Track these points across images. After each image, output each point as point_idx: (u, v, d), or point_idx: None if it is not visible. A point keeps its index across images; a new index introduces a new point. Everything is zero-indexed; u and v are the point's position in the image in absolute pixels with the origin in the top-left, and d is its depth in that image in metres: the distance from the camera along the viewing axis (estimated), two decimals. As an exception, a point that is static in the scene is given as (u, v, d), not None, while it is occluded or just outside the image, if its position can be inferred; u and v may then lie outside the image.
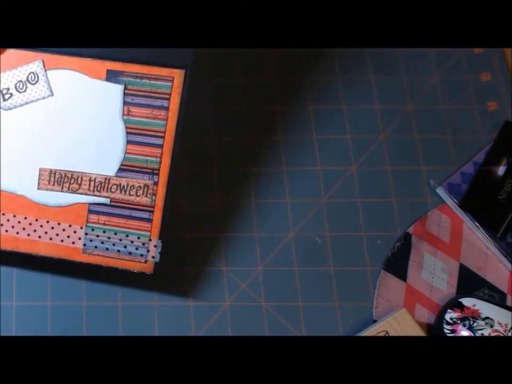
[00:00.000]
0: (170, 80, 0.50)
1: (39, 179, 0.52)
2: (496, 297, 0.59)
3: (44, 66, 0.50)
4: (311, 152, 0.63)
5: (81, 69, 0.50)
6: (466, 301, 0.57)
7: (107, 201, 0.51)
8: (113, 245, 0.52)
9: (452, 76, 0.66)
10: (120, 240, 0.52)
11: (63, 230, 0.52)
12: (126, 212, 0.52)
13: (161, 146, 0.50)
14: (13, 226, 0.52)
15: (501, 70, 0.66)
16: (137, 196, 0.51)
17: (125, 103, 0.50)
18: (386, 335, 0.55)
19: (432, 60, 0.66)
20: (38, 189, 0.52)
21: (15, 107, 0.51)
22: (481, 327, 0.56)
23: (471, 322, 0.56)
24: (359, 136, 0.64)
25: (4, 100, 0.51)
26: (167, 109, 0.50)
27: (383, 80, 0.65)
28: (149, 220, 0.51)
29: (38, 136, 0.51)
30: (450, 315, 0.57)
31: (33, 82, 0.50)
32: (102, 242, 0.52)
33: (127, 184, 0.51)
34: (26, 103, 0.51)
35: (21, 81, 0.50)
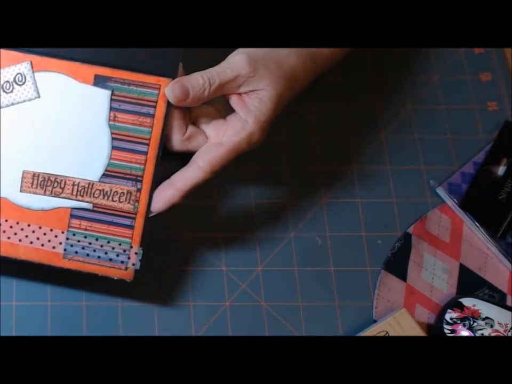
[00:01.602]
0: (157, 88, 0.50)
1: (22, 182, 0.51)
2: (496, 297, 0.59)
3: (32, 68, 0.50)
4: (310, 151, 0.63)
5: (69, 72, 0.50)
6: (466, 301, 0.57)
7: (90, 206, 0.51)
8: (94, 250, 0.51)
9: (452, 76, 0.66)
10: (101, 246, 0.51)
11: (44, 234, 0.51)
12: (108, 218, 0.51)
13: (145, 153, 0.51)
14: None
15: (501, 70, 0.66)
16: (120, 202, 0.51)
17: (111, 108, 0.50)
18: (386, 335, 0.55)
19: (432, 60, 0.66)
20: (21, 191, 0.51)
21: (1, 107, 0.50)
22: (481, 327, 0.56)
23: (471, 322, 0.56)
24: (358, 137, 0.64)
25: None
26: (153, 116, 0.50)
27: (383, 80, 0.65)
28: (131, 227, 0.51)
29: (23, 137, 0.51)
30: (450, 315, 0.57)
31: (20, 83, 0.50)
32: (83, 248, 0.51)
33: (110, 190, 0.51)
34: (13, 104, 0.50)
35: (7, 81, 0.50)
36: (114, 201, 0.51)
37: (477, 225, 0.60)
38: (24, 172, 0.51)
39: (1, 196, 0.51)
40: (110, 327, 0.56)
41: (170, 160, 0.52)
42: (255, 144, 0.51)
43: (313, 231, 0.61)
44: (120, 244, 0.51)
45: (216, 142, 0.50)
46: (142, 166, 0.51)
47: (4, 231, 0.51)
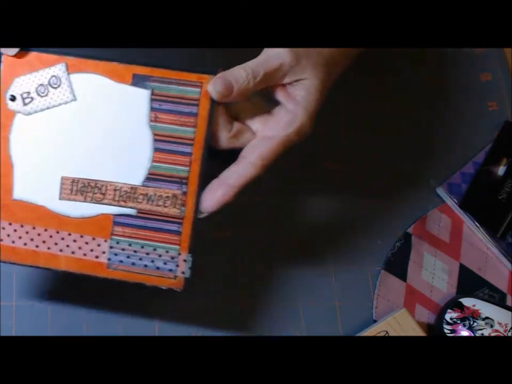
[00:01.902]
0: (199, 86, 0.48)
1: (60, 188, 0.48)
2: (496, 297, 0.59)
3: (67, 70, 0.48)
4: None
5: (106, 73, 0.48)
6: (466, 301, 0.57)
7: (133, 212, 0.49)
8: (140, 259, 0.49)
9: (452, 76, 0.66)
10: (148, 254, 0.49)
11: (86, 243, 0.49)
12: (154, 224, 0.49)
13: (190, 154, 0.48)
14: (32, 239, 0.49)
15: (501, 70, 0.66)
16: (165, 206, 0.48)
17: (152, 109, 0.48)
18: (386, 335, 0.55)
19: (432, 59, 0.66)
20: (60, 199, 0.49)
21: (36, 112, 0.48)
22: (481, 327, 0.56)
23: (471, 322, 0.56)
24: (357, 138, 0.64)
25: (24, 104, 0.48)
26: (196, 115, 0.48)
27: (382, 80, 0.65)
28: (178, 232, 0.48)
29: (60, 142, 0.48)
30: (450, 315, 0.57)
31: (55, 86, 0.48)
32: (128, 257, 0.49)
33: (155, 194, 0.48)
34: (48, 107, 0.48)
35: (42, 84, 0.48)
36: (159, 205, 0.48)
37: (477, 225, 0.60)
38: (62, 178, 0.49)
39: (39, 204, 0.49)
40: (110, 327, 0.56)
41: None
42: (305, 136, 0.49)
43: (313, 231, 0.61)
44: (167, 251, 0.49)
45: (265, 136, 0.49)
46: (187, 168, 0.48)
47: (44, 241, 0.49)
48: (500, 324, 0.56)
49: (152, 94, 0.48)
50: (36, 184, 0.49)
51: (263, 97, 0.50)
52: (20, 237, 0.49)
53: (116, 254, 0.49)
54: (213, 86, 0.47)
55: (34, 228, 0.49)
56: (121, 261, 0.49)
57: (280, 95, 0.49)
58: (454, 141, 0.64)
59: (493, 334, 0.56)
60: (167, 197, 0.48)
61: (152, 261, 0.49)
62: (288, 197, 0.61)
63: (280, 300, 0.58)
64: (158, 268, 0.49)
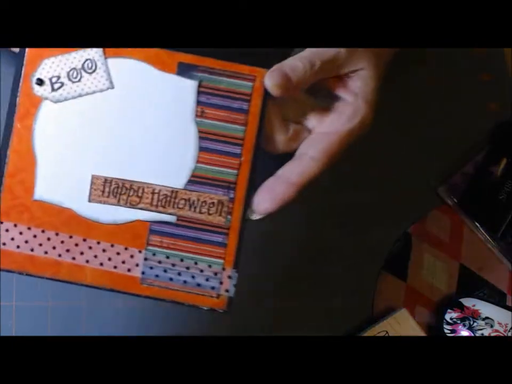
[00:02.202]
0: (252, 80, 0.43)
1: (90, 189, 0.43)
2: (496, 297, 0.59)
3: (104, 54, 0.42)
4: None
5: (149, 59, 0.42)
6: (466, 301, 0.57)
7: (173, 219, 0.43)
8: (179, 274, 0.43)
9: (452, 76, 0.66)
10: (188, 268, 0.43)
11: (117, 253, 0.43)
12: (196, 234, 0.43)
13: (239, 155, 0.43)
14: (54, 247, 0.43)
15: (501, 70, 0.66)
16: (209, 214, 0.43)
17: (198, 102, 0.43)
18: (386, 335, 0.55)
19: (432, 59, 0.66)
20: (89, 201, 0.42)
21: (66, 99, 0.42)
22: (481, 327, 0.56)
23: (471, 322, 0.56)
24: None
25: (53, 89, 0.42)
26: (247, 112, 0.43)
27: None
28: (223, 245, 0.43)
29: (92, 136, 0.42)
30: (450, 315, 0.57)
31: (89, 71, 0.42)
32: (165, 271, 0.43)
33: (198, 200, 0.43)
34: (80, 95, 0.42)
35: (75, 68, 0.42)
36: (202, 213, 0.43)
37: (477, 225, 0.60)
38: (93, 177, 0.43)
39: (65, 206, 0.43)
40: (110, 327, 0.56)
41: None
42: (367, 128, 0.46)
43: (313, 231, 0.60)
44: (210, 266, 0.43)
45: (325, 131, 0.45)
46: (235, 171, 0.43)
47: (68, 250, 0.43)
48: (500, 323, 0.56)
49: (200, 85, 0.43)
50: (61, 182, 0.43)
51: (308, 93, 0.46)
52: (40, 244, 0.43)
53: (151, 268, 0.43)
54: (270, 78, 0.42)
55: (57, 234, 0.43)
56: (157, 276, 0.43)
57: (337, 87, 0.45)
58: (454, 141, 0.64)
59: (493, 334, 0.56)
60: (212, 203, 0.43)
61: (193, 277, 0.43)
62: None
63: (280, 300, 0.58)
64: (198, 285, 0.43)
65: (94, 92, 0.43)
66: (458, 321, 0.56)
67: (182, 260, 0.43)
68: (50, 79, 0.42)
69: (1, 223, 0.43)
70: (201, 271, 0.43)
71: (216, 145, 0.43)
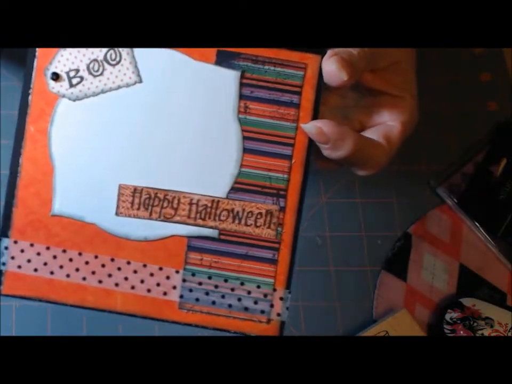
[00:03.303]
0: (302, 68, 0.37)
1: (118, 200, 0.37)
2: (496, 297, 0.59)
3: None
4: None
5: (182, 48, 0.37)
6: (466, 301, 0.57)
7: (214, 233, 0.37)
8: (223, 297, 0.37)
9: (452, 76, 0.66)
10: (233, 290, 0.37)
11: (151, 274, 0.37)
12: (241, 249, 0.37)
13: (289, 157, 0.37)
14: (77, 269, 0.37)
15: (501, 70, 0.66)
16: (256, 226, 0.37)
17: (241, 96, 0.37)
18: (386, 335, 0.55)
19: (432, 59, 0.66)
20: (117, 214, 0.37)
21: (86, 96, 0.36)
22: (481, 327, 0.56)
23: (471, 322, 0.56)
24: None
25: (71, 85, 0.36)
26: (297, 106, 0.37)
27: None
28: (273, 262, 0.38)
29: (118, 139, 0.37)
30: (450, 315, 0.57)
31: (113, 62, 0.36)
32: (207, 293, 0.37)
33: (243, 210, 0.37)
34: (103, 91, 0.36)
35: (96, 60, 0.36)
36: (248, 225, 0.37)
37: (477, 225, 0.60)
38: (120, 187, 0.37)
39: (89, 221, 0.37)
40: (111, 327, 0.56)
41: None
42: (415, 123, 0.43)
43: (313, 231, 0.60)
44: (258, 286, 0.38)
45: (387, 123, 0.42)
46: (285, 176, 0.37)
47: (93, 272, 0.37)
48: (499, 324, 0.56)
49: (242, 77, 0.37)
50: (83, 194, 0.37)
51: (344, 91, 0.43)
52: (61, 266, 0.37)
53: (190, 290, 0.38)
54: (334, 63, 0.37)
55: (80, 254, 0.37)
56: (197, 299, 0.38)
57: (378, 81, 0.42)
58: (454, 141, 0.64)
59: (493, 334, 0.56)
60: (259, 213, 0.37)
61: (239, 299, 0.38)
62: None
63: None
64: (246, 309, 0.38)
65: (118, 87, 0.37)
66: (458, 321, 0.56)
67: (226, 280, 0.38)
68: (67, 73, 0.37)
69: (16, 242, 0.37)
70: (249, 292, 0.38)
71: (263, 146, 0.37)
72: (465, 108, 0.65)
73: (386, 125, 0.42)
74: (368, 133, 0.42)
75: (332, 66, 0.37)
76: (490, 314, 0.56)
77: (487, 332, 0.56)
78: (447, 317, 0.57)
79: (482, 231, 0.60)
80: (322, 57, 0.37)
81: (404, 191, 0.62)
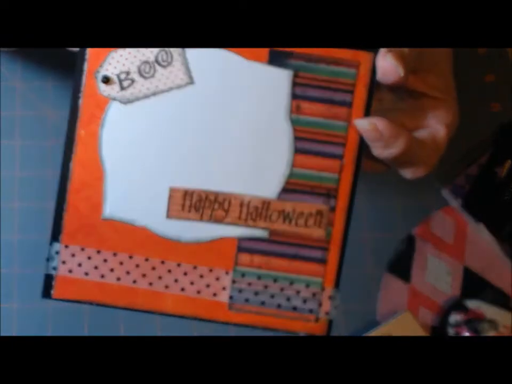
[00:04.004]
0: (356, 66, 0.37)
1: (168, 203, 0.37)
2: (500, 299, 0.59)
3: None
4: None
5: (235, 48, 0.37)
6: (471, 303, 0.57)
7: (265, 234, 0.37)
8: (272, 296, 0.38)
9: (455, 76, 0.66)
10: (282, 289, 0.38)
11: (201, 276, 0.37)
12: (291, 250, 0.37)
13: (341, 157, 0.37)
14: (128, 272, 0.38)
15: (504, 71, 0.66)
16: (306, 226, 0.37)
17: (294, 96, 0.37)
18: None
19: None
20: (168, 217, 0.37)
21: (138, 99, 0.36)
22: (485, 330, 0.55)
23: (475, 325, 0.56)
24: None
25: (122, 88, 0.37)
26: (350, 105, 0.37)
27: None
28: (323, 261, 0.38)
29: (169, 141, 0.37)
30: (454, 317, 0.56)
31: (164, 64, 0.36)
32: (256, 294, 0.38)
33: (293, 211, 0.37)
34: (154, 93, 0.37)
35: (147, 62, 0.36)
36: (299, 225, 0.37)
37: (481, 227, 0.60)
38: (171, 190, 0.37)
39: (139, 224, 0.37)
40: (112, 327, 0.56)
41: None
42: (458, 123, 0.43)
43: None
44: (307, 286, 0.38)
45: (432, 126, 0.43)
46: (336, 176, 0.37)
47: (144, 275, 0.37)
48: (504, 326, 0.56)
49: (295, 76, 0.37)
50: (134, 197, 0.37)
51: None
52: (112, 270, 0.38)
53: (240, 291, 0.38)
54: (389, 59, 0.37)
55: (131, 257, 0.38)
56: (247, 300, 0.38)
57: (418, 84, 0.41)
58: (458, 143, 0.64)
59: (497, 337, 0.55)
60: (310, 213, 0.37)
61: (288, 299, 0.38)
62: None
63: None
64: (294, 308, 0.38)
65: (170, 89, 0.37)
66: (463, 324, 0.56)
67: (275, 281, 0.38)
68: (118, 76, 0.37)
69: (66, 247, 0.38)
70: (298, 292, 0.38)
71: (315, 146, 0.37)
72: (468, 109, 0.65)
73: (432, 127, 0.42)
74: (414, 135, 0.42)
75: (389, 62, 0.37)
76: (494, 316, 0.56)
77: (491, 334, 0.55)
78: (451, 319, 0.56)
79: (486, 232, 0.60)
80: (375, 55, 0.38)
81: (408, 192, 0.62)
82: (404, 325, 0.55)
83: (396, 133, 0.38)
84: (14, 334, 0.55)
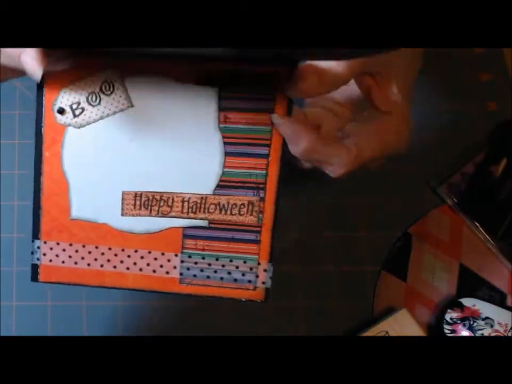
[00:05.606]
0: (273, 76, 0.42)
1: (122, 204, 0.44)
2: (496, 297, 0.59)
3: (120, 73, 0.43)
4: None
5: (165, 73, 0.43)
6: (466, 301, 0.57)
7: (205, 223, 0.44)
8: (215, 272, 0.44)
9: (452, 76, 0.66)
10: (223, 266, 0.44)
11: (155, 259, 0.44)
12: (228, 234, 0.44)
13: (267, 156, 0.43)
14: (96, 259, 0.45)
15: (501, 70, 0.66)
16: (240, 215, 0.43)
17: (221, 108, 0.42)
18: (387, 335, 0.55)
19: (432, 59, 0.66)
20: (122, 215, 0.44)
21: (88, 123, 0.43)
22: (481, 327, 0.56)
23: (471, 322, 0.56)
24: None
25: (75, 116, 0.43)
26: (272, 111, 0.42)
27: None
28: (256, 241, 0.44)
29: (118, 154, 0.44)
30: (450, 315, 0.57)
31: (108, 92, 0.43)
32: (202, 270, 0.44)
33: (228, 203, 0.43)
34: (102, 117, 0.43)
35: (93, 92, 0.43)
36: (233, 214, 0.43)
37: (477, 225, 0.60)
38: (123, 193, 0.44)
39: (101, 222, 0.45)
40: (110, 327, 0.56)
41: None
42: (404, 139, 0.46)
43: (314, 231, 0.60)
44: (245, 262, 0.44)
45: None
46: (263, 172, 0.43)
47: (109, 260, 0.45)
48: (500, 324, 0.56)
49: (221, 91, 0.42)
50: (94, 201, 0.45)
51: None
52: (83, 258, 0.45)
53: (188, 269, 0.44)
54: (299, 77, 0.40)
55: (97, 247, 0.45)
56: (194, 275, 0.44)
57: (369, 91, 0.44)
58: (454, 141, 0.64)
59: (493, 334, 0.56)
60: (243, 204, 0.43)
61: (229, 273, 0.44)
62: (287, 197, 0.61)
63: (281, 300, 0.58)
64: (235, 280, 0.44)
65: (114, 113, 0.43)
66: (458, 321, 0.56)
67: (217, 259, 0.44)
68: (70, 106, 0.43)
69: (45, 242, 0.45)
70: (237, 267, 0.44)
71: (243, 148, 0.43)
72: (465, 108, 0.65)
73: (366, 135, 0.45)
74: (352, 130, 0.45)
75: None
76: (490, 314, 0.56)
77: (487, 332, 0.56)
78: (447, 317, 0.57)
79: (482, 231, 0.60)
80: (292, 68, 0.41)
81: (404, 191, 0.62)
82: (400, 322, 0.55)
83: (297, 132, 0.41)
84: (13, 334, 0.55)
